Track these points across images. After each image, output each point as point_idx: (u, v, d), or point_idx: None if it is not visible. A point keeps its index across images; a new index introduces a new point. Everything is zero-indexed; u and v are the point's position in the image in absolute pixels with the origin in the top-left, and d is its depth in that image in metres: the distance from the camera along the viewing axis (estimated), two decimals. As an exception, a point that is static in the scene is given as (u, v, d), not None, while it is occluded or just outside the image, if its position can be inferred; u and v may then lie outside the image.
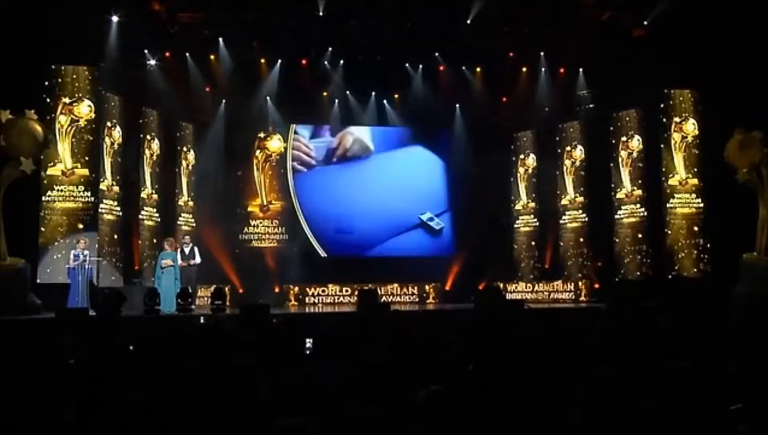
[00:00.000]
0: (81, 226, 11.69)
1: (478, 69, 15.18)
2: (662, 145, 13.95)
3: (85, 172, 11.89)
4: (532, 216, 15.85)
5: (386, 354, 3.98)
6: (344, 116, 15.83)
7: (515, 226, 16.05)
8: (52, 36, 11.24)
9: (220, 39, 13.81)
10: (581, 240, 15.00)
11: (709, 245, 13.51)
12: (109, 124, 12.52)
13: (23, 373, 3.48)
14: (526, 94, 15.31)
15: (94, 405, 2.93)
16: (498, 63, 14.91)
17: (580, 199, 15.14)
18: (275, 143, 15.68)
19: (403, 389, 3.11)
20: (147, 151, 13.56)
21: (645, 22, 13.53)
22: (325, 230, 15.66)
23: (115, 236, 12.53)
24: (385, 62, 14.55)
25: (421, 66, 15.12)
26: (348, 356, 4.15)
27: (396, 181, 16.06)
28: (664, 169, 13.92)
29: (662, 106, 14.03)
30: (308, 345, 4.68)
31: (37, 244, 11.43)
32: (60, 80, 11.91)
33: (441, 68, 15.04)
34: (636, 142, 14.33)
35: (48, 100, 11.76)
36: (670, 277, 13.35)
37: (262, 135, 15.63)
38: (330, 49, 14.54)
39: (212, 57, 14.12)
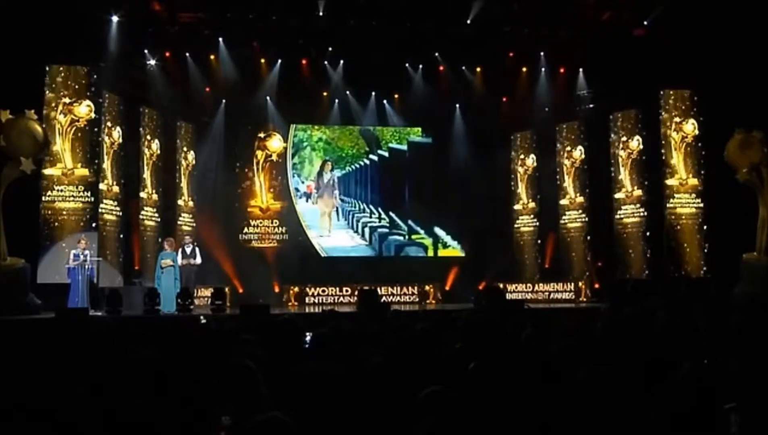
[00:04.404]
0: (81, 226, 11.70)
1: (478, 69, 15.19)
2: (662, 146, 13.95)
3: (85, 172, 11.89)
4: (532, 216, 15.84)
5: (386, 354, 3.98)
6: (344, 116, 15.84)
7: (515, 226, 16.05)
8: (53, 36, 11.26)
9: (220, 39, 13.83)
10: (581, 240, 15.00)
11: (709, 245, 13.51)
12: (109, 124, 12.52)
13: (23, 373, 3.48)
14: (526, 94, 15.32)
15: (94, 405, 2.93)
16: (498, 63, 14.91)
17: (580, 199, 15.13)
18: (275, 143, 15.69)
19: (403, 389, 3.11)
20: (147, 151, 13.56)
21: (645, 22, 13.55)
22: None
23: (115, 236, 12.54)
24: (385, 62, 14.54)
25: (421, 66, 15.12)
26: (348, 356, 4.15)
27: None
28: (664, 169, 13.92)
29: (662, 106, 14.03)
30: (307, 339, 4.68)
31: (37, 244, 11.43)
32: (60, 80, 11.91)
33: (441, 68, 15.05)
34: (636, 142, 14.33)
35: (48, 100, 11.76)
36: (669, 277, 13.35)
37: (262, 135, 15.64)
38: (330, 49, 14.55)
39: (212, 57, 14.13)
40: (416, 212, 16.04)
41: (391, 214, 16.08)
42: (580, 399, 2.93)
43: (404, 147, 16.35)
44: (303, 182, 15.99)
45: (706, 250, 13.55)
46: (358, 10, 13.20)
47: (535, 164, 15.87)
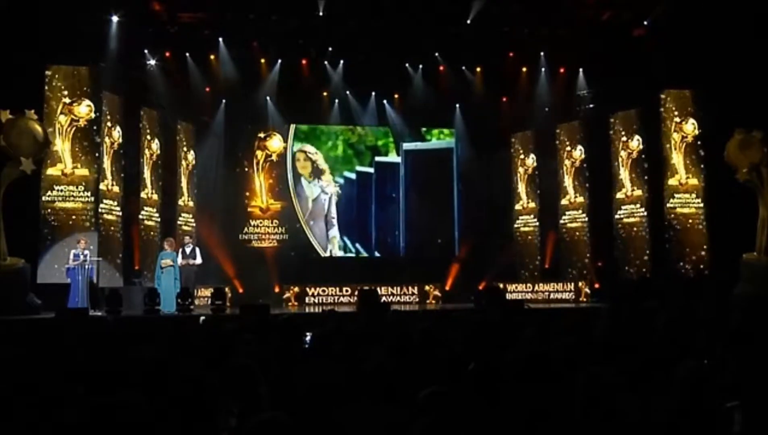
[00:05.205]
0: (81, 226, 11.69)
1: (478, 69, 15.19)
2: (662, 145, 13.95)
3: (85, 172, 11.89)
4: (532, 216, 15.84)
5: (386, 354, 3.98)
6: (344, 116, 15.84)
7: (515, 226, 16.05)
8: (52, 36, 11.25)
9: (220, 39, 13.84)
10: (581, 240, 15.00)
11: (709, 245, 13.50)
12: (109, 124, 12.52)
13: (23, 374, 3.47)
14: (526, 94, 15.32)
15: (94, 405, 2.92)
16: (498, 63, 14.91)
17: (580, 199, 15.13)
18: (275, 143, 15.70)
19: (403, 389, 3.11)
20: (147, 151, 13.56)
21: (645, 22, 13.55)
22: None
23: (115, 236, 12.53)
24: (385, 62, 14.55)
25: (421, 66, 15.13)
26: (348, 356, 4.15)
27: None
28: (664, 169, 13.92)
29: (662, 106, 14.03)
30: (307, 339, 4.68)
31: (37, 244, 11.42)
32: (60, 80, 11.90)
33: (441, 68, 15.05)
34: (636, 142, 14.33)
35: (48, 100, 11.75)
36: (669, 276, 13.34)
37: (262, 135, 15.66)
38: (330, 49, 14.55)
39: (212, 57, 14.14)
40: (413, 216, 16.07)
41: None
42: (580, 399, 2.92)
43: (397, 159, 16.28)
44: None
45: (706, 250, 13.54)
46: (358, 10, 13.20)
47: (535, 164, 15.87)
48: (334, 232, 15.91)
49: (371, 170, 16.18)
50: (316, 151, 16.04)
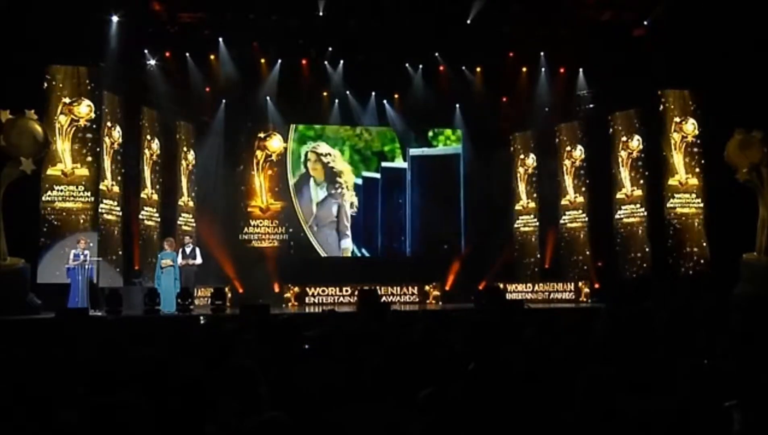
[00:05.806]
0: (81, 226, 11.69)
1: (478, 69, 15.19)
2: (662, 145, 13.95)
3: (85, 172, 11.88)
4: (532, 216, 15.85)
5: (386, 354, 3.98)
6: (344, 116, 15.84)
7: (515, 226, 16.05)
8: (52, 36, 11.24)
9: (220, 39, 13.83)
10: (581, 240, 15.00)
11: (709, 245, 13.50)
12: (109, 124, 12.51)
13: (23, 374, 3.47)
14: (526, 94, 15.32)
15: (94, 405, 2.92)
16: (498, 63, 14.90)
17: (580, 199, 15.13)
18: (275, 143, 15.70)
19: (403, 389, 3.11)
20: (147, 151, 13.56)
21: (645, 22, 13.55)
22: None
23: (115, 236, 12.53)
24: (385, 62, 14.55)
25: (421, 66, 15.13)
26: (348, 356, 4.15)
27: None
28: (664, 169, 13.91)
29: (662, 106, 14.03)
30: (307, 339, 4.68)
31: (37, 244, 11.41)
32: (60, 80, 11.89)
33: (441, 68, 15.05)
34: (636, 142, 14.33)
35: (48, 100, 11.74)
36: (669, 276, 13.34)
37: (262, 135, 15.66)
38: (330, 49, 14.55)
39: (212, 57, 14.13)
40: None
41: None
42: (580, 399, 2.92)
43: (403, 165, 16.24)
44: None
45: (706, 250, 13.54)
46: (358, 10, 13.20)
47: (535, 164, 15.88)
48: (347, 243, 15.82)
49: (378, 176, 16.15)
50: (329, 153, 15.97)
